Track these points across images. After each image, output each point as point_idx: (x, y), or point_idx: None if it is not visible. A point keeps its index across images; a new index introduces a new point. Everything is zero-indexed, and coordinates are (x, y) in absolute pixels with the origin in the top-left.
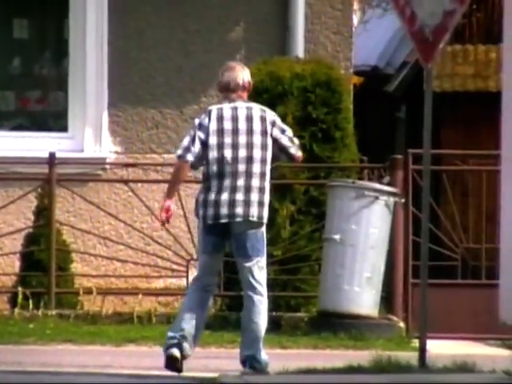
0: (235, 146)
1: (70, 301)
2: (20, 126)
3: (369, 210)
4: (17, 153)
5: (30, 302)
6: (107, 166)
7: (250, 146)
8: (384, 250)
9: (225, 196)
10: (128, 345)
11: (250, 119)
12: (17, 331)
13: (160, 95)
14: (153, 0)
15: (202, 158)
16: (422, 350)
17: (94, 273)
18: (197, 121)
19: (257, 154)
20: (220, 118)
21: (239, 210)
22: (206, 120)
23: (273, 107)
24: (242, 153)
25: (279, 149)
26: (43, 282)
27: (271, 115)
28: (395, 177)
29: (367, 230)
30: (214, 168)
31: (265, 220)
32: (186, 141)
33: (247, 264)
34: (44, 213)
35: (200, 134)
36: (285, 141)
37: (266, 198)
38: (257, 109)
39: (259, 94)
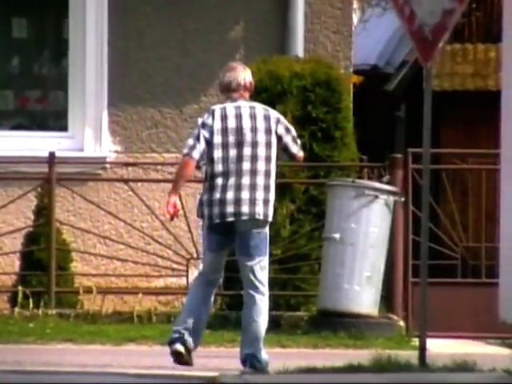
0: (240, 145)
1: (70, 300)
2: (20, 125)
3: (368, 209)
4: (17, 152)
5: (30, 301)
6: (107, 166)
7: (254, 144)
8: (384, 249)
9: (230, 195)
10: (128, 344)
11: (253, 117)
12: (17, 330)
13: (159, 95)
14: (152, 0)
15: (206, 156)
16: (422, 349)
17: (93, 272)
18: (200, 120)
19: (261, 152)
20: (224, 117)
21: (245, 209)
22: (210, 119)
23: (272, 106)
24: (247, 151)
25: (282, 147)
26: (43, 282)
27: (275, 113)
28: (395, 176)
29: (367, 229)
30: (219, 167)
31: (270, 218)
32: (190, 140)
33: (249, 263)
34: (44, 212)
35: (204, 133)
36: (288, 139)
37: (272, 196)
38: (260, 108)
39: (259, 93)
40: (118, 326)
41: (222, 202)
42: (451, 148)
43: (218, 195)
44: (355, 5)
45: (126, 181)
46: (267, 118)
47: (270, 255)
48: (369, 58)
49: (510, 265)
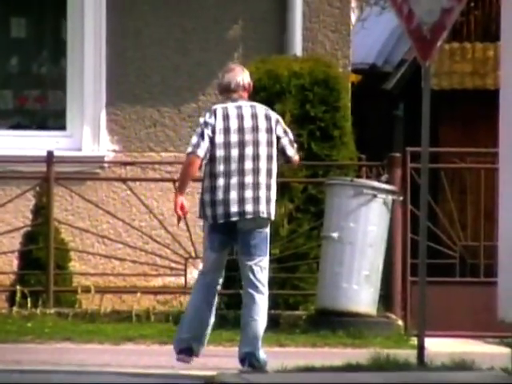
0: (242, 144)
1: (69, 299)
2: (18, 124)
3: (367, 208)
4: (15, 151)
5: (29, 300)
6: (105, 165)
7: (256, 143)
8: (382, 248)
9: (234, 194)
10: (126, 343)
11: (255, 117)
12: (15, 330)
13: (158, 94)
14: None
15: (209, 155)
16: (421, 348)
17: (92, 271)
18: (202, 119)
19: (263, 151)
20: (226, 117)
21: (249, 208)
22: (212, 119)
23: (271, 105)
24: (249, 150)
25: (278, 149)
26: (41, 281)
27: (275, 114)
28: (393, 175)
29: (365, 228)
30: (221, 166)
31: (273, 217)
32: (194, 139)
33: (249, 262)
34: (42, 211)
35: (208, 132)
36: (285, 141)
37: (274, 195)
38: (260, 107)
39: (257, 92)
40: (117, 325)
41: (226, 201)
42: (450, 147)
43: (221, 195)
44: (353, 3)
45: (124, 180)
46: (268, 118)
47: (269, 254)
48: (367, 56)
49: (508, 264)
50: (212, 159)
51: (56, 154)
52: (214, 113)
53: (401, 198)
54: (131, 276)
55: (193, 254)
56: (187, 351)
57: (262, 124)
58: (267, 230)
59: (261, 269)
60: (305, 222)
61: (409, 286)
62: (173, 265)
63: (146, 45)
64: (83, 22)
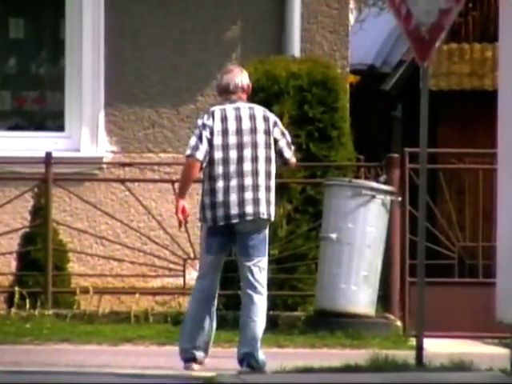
0: (240, 146)
1: (67, 300)
2: (17, 125)
3: (365, 209)
4: (13, 152)
5: (27, 301)
6: (104, 166)
7: (254, 145)
8: (381, 249)
9: (233, 196)
10: (125, 344)
11: (253, 118)
12: (13, 331)
13: (156, 94)
14: None
15: (208, 157)
16: (419, 349)
17: (90, 272)
18: (200, 121)
19: (261, 152)
20: (224, 119)
21: (249, 209)
22: (210, 120)
23: (269, 106)
24: (248, 152)
25: (276, 151)
26: (40, 282)
27: (273, 116)
28: (392, 175)
29: (364, 229)
30: (220, 168)
31: (273, 218)
32: (193, 141)
33: (247, 263)
34: (40, 212)
35: (206, 134)
36: (283, 143)
37: (273, 197)
38: (258, 109)
39: (255, 93)
40: (115, 326)
41: (226, 203)
42: (448, 147)
43: (220, 197)
44: (352, 4)
45: (122, 181)
46: (266, 119)
47: (268, 255)
48: (365, 57)
49: (507, 264)
50: (211, 161)
51: (54, 155)
52: (212, 114)
53: (399, 199)
54: (130, 277)
55: (191, 255)
56: (192, 360)
57: (261, 126)
58: (266, 231)
59: (259, 269)
60: (303, 223)
61: (407, 286)
62: (171, 266)
63: (145, 45)
64: (81, 22)
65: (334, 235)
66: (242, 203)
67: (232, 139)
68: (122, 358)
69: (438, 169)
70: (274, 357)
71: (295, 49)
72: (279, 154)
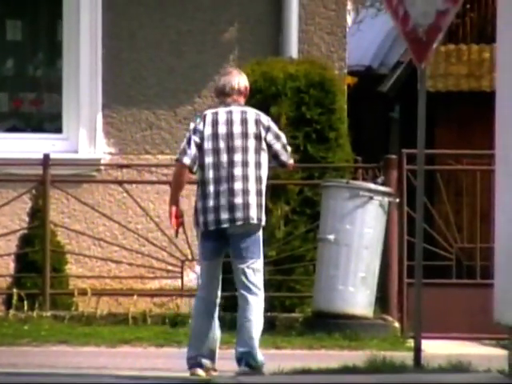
0: (230, 150)
1: (65, 302)
2: (14, 127)
3: (363, 210)
4: (11, 154)
5: (25, 303)
6: (101, 167)
7: (244, 149)
8: (378, 250)
9: (223, 201)
10: (123, 346)
11: (244, 123)
12: (11, 333)
13: (153, 96)
14: (145, 1)
15: (199, 162)
16: (417, 350)
17: (88, 274)
18: (192, 125)
19: (252, 157)
20: (215, 123)
21: (239, 214)
22: (201, 125)
23: (266, 108)
24: (238, 157)
25: (271, 155)
26: (38, 284)
27: (266, 120)
28: (389, 177)
29: (361, 230)
30: (210, 173)
31: (263, 222)
32: (182, 145)
33: (241, 266)
34: (38, 214)
35: (195, 138)
36: (277, 147)
37: (263, 201)
38: (252, 112)
39: (253, 94)
40: (113, 327)
41: (216, 208)
42: (445, 149)
43: (211, 202)
44: (349, 6)
45: (120, 182)
46: (258, 124)
47: (265, 256)
48: (363, 58)
49: (504, 265)
50: (202, 166)
51: (52, 156)
52: (204, 118)
53: (397, 200)
54: (127, 278)
55: (189, 257)
56: (198, 366)
57: (252, 130)
58: (258, 233)
59: (253, 271)
60: (301, 224)
61: (405, 287)
62: (169, 267)
63: (142, 47)
64: (79, 24)
65: (331, 236)
66: (232, 208)
67: (222, 143)
68: (120, 359)
69: (435, 170)
70: (272, 358)
71: (293, 50)
72: (275, 157)
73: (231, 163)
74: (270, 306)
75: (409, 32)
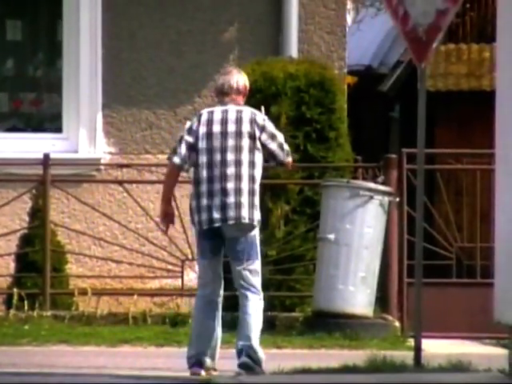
0: (224, 150)
1: (65, 302)
2: (14, 127)
3: (363, 210)
4: (11, 154)
5: (25, 303)
6: (101, 167)
7: (238, 148)
8: (378, 250)
9: (216, 200)
10: (123, 345)
11: (239, 122)
12: (12, 332)
13: (153, 96)
14: (145, 1)
15: (192, 161)
16: (417, 350)
17: (88, 273)
18: (188, 124)
19: (245, 156)
20: (209, 122)
21: (231, 213)
22: (196, 124)
23: (266, 107)
24: (231, 156)
25: (268, 154)
26: (38, 283)
27: (261, 119)
28: (389, 176)
29: (362, 230)
30: (204, 172)
31: (256, 222)
32: (175, 144)
33: (238, 267)
34: (38, 214)
35: (188, 138)
36: (273, 147)
37: (257, 201)
38: (247, 112)
39: (253, 94)
40: (113, 327)
41: (209, 207)
42: (445, 148)
43: (204, 201)
44: (349, 5)
45: (120, 182)
46: (252, 123)
47: (265, 256)
48: (363, 58)
49: (504, 265)
50: (196, 165)
51: (52, 156)
52: (199, 118)
53: (397, 200)
54: (128, 278)
55: (189, 256)
56: (198, 364)
57: (246, 129)
58: (253, 233)
59: (250, 272)
60: (301, 224)
61: (405, 287)
62: (169, 267)
63: (142, 47)
64: (79, 24)
65: (331, 236)
66: (224, 207)
67: (216, 142)
68: (120, 359)
69: (435, 169)
70: (272, 358)
71: (292, 50)
72: (272, 157)
73: (224, 162)
74: (270, 305)
75: (409, 31)
